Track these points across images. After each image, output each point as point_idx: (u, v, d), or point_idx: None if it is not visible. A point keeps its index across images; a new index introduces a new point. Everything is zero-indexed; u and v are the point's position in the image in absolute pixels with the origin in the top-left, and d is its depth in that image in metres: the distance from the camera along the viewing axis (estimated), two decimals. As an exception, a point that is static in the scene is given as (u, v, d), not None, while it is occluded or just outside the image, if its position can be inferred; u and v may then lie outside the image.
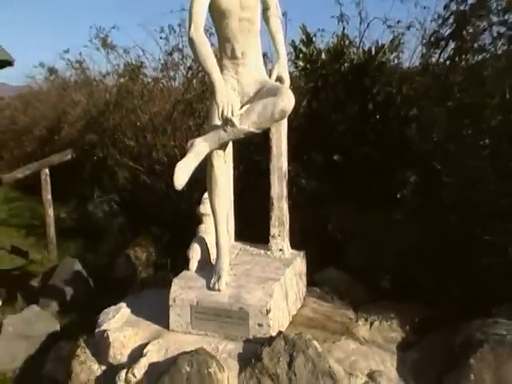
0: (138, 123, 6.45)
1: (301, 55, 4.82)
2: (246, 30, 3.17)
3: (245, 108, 3.02)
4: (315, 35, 5.47)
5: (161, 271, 4.81)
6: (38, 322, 4.23)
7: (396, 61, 5.07)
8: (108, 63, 8.32)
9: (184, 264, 3.44)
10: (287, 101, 2.92)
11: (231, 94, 3.06)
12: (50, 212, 6.32)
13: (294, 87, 4.81)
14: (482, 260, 3.35)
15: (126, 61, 7.42)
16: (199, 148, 3.00)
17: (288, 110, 2.94)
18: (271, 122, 3.01)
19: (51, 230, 6.31)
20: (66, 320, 4.46)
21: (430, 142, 4.31)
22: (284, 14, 5.57)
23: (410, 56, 5.39)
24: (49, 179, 6.31)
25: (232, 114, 2.90)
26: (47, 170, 6.31)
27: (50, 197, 6.31)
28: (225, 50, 3.22)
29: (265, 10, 3.41)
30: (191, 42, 2.97)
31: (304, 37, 4.89)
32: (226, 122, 2.93)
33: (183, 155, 3.05)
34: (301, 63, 4.82)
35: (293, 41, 4.97)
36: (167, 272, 4.66)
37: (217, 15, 3.16)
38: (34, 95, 13.79)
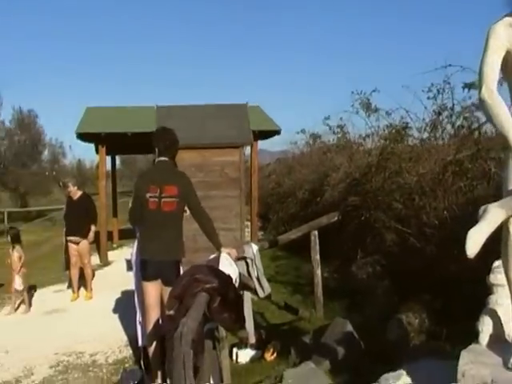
0: (404, 185, 6.40)
1: None
2: None
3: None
4: None
5: (434, 339, 4.59)
6: (313, 378, 4.36)
7: None
8: (367, 126, 8.59)
9: (459, 335, 3.21)
10: None
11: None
12: (318, 272, 6.55)
13: None
14: None
15: (388, 123, 7.55)
16: (493, 215, 2.80)
17: None
18: None
19: (319, 290, 6.50)
20: (338, 380, 4.50)
21: None
22: None
23: None
24: (317, 240, 6.58)
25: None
26: (316, 232, 6.59)
27: (318, 257, 6.55)
28: None
29: None
30: (483, 103, 2.83)
31: None
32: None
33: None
34: None
35: None
36: (442, 341, 4.45)
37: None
38: (296, 160, 14.86)
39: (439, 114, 6.36)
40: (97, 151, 12.91)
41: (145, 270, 4.62)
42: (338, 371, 4.61)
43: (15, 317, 8.00)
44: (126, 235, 14.79)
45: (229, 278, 3.70)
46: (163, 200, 4.48)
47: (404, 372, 3.49)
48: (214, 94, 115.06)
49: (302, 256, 9.10)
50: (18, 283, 8.11)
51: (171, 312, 3.57)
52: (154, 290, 4.62)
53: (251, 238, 11.75)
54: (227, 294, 3.51)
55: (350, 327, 4.95)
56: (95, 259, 11.11)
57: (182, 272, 4.48)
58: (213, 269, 3.72)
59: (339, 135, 10.13)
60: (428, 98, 6.56)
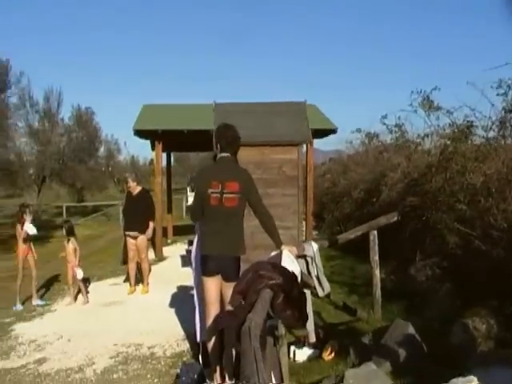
0: (468, 186, 6.17)
1: None
2: None
3: None
4: None
5: (504, 347, 4.42)
6: (374, 379, 4.28)
7: None
8: (426, 125, 8.34)
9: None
10: None
11: None
12: (377, 272, 6.41)
13: None
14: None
15: (451, 121, 7.29)
16: None
17: None
18: None
19: (377, 291, 6.37)
20: (400, 382, 4.40)
21: None
22: None
23: None
24: (376, 240, 6.45)
25: None
26: (375, 232, 6.46)
27: (377, 258, 6.42)
28: None
29: None
30: None
31: None
32: None
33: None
34: None
35: None
36: (514, 349, 4.29)
37: None
38: (351, 159, 14.67)
39: (510, 111, 6.06)
40: (153, 148, 13.11)
41: (205, 265, 4.63)
42: (400, 373, 4.51)
43: (75, 307, 8.23)
44: (180, 231, 15.02)
45: (293, 275, 3.67)
46: (225, 196, 4.49)
47: (474, 378, 3.38)
48: (270, 92, 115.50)
49: (357, 256, 8.98)
50: (78, 273, 8.33)
51: (231, 307, 3.57)
52: (213, 286, 4.64)
53: (306, 237, 11.67)
54: (291, 291, 3.47)
55: (411, 329, 4.83)
56: (150, 254, 11.30)
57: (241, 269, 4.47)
58: (277, 265, 3.69)
59: (397, 134, 9.85)
60: (497, 94, 6.27)
